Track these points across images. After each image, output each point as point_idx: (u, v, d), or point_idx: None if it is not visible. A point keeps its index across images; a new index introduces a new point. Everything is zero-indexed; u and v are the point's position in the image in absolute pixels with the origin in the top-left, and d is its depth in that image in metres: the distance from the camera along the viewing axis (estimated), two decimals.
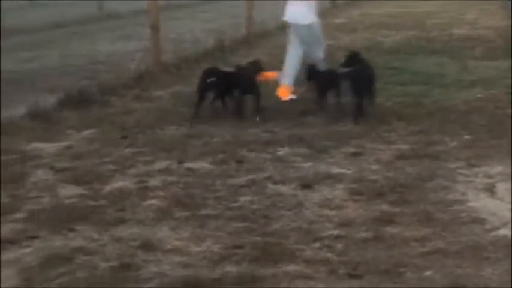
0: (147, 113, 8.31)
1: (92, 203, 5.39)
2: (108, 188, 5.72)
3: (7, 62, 11.45)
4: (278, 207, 5.21)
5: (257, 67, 8.25)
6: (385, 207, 5.13)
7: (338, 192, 5.49)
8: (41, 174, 6.12)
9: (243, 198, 5.40)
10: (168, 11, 18.53)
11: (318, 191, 5.52)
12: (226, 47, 12.59)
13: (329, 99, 8.22)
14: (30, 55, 13.21)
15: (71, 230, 4.84)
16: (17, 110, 8.12)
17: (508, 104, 8.19)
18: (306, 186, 5.63)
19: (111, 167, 6.29)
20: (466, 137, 6.90)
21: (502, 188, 5.44)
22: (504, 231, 4.63)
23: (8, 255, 4.48)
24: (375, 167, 6.09)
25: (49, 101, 8.57)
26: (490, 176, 5.72)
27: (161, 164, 6.31)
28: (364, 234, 4.65)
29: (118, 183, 5.82)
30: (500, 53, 12.22)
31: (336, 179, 5.78)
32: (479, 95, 8.80)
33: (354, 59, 8.17)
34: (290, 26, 8.92)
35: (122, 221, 5.00)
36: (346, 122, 7.56)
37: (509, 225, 4.73)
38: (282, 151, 6.63)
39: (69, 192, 5.62)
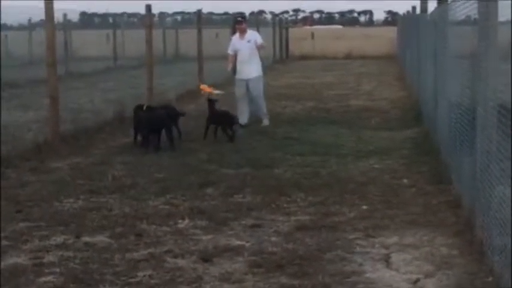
0: (44, 185, 8.12)
1: None
2: (1, 265, 5.53)
3: None
4: (177, 282, 5.15)
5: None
6: (284, 279, 5.14)
7: (238, 265, 5.47)
8: None
9: (141, 273, 5.31)
10: (68, 81, 18.35)
11: (218, 264, 5.49)
12: (126, 118, 12.47)
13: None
14: None
15: None
16: None
17: (402, 174, 8.42)
18: (206, 259, 5.59)
19: (4, 242, 6.08)
20: (364, 207, 7.03)
21: (397, 258, 5.55)
22: None
23: None
24: (274, 238, 6.11)
25: None
26: (386, 247, 5.83)
27: (58, 239, 6.15)
28: None
29: (12, 260, 5.64)
30: (395, 124, 12.63)
31: (236, 251, 5.77)
32: (375, 166, 9.03)
33: None
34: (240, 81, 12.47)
35: None
36: (246, 193, 7.62)
37: None
38: (182, 224, 6.59)
39: None
